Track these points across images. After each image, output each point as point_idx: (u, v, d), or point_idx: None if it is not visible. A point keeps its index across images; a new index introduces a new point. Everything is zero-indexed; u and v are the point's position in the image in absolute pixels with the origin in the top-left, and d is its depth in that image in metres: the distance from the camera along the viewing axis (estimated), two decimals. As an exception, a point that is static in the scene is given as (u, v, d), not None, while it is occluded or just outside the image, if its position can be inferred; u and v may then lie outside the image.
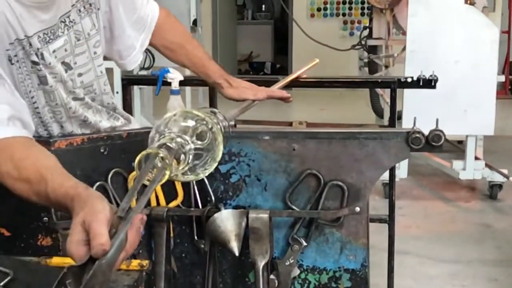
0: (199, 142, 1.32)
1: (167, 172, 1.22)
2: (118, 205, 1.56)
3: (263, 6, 12.13)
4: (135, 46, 1.89)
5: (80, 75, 1.67)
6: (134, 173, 1.58)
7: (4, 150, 1.34)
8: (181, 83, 3.22)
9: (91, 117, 1.70)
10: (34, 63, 1.54)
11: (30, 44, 1.52)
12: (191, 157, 1.29)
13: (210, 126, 1.33)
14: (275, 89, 2.14)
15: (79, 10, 1.64)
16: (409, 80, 2.67)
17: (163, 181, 1.24)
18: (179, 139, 1.28)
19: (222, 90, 2.05)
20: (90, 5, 1.67)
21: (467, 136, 4.62)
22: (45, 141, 1.50)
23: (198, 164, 1.32)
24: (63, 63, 1.62)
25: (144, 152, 1.23)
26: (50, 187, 1.24)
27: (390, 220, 2.64)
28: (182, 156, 1.26)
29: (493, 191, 4.67)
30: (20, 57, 1.51)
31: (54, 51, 1.58)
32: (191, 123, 1.34)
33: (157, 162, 1.22)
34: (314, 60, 2.35)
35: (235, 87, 2.04)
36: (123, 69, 1.98)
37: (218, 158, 1.34)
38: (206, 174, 1.36)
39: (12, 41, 1.49)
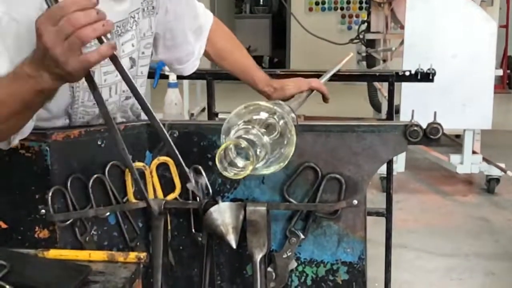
0: (273, 134, 1.33)
1: (250, 166, 1.22)
2: (115, 198, 1.57)
3: (261, -1, 12.12)
4: (194, 52, 1.93)
5: None
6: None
7: None
8: (179, 76, 3.22)
9: (118, 119, 1.70)
10: None
11: None
12: (269, 149, 1.29)
13: (281, 118, 1.33)
14: (319, 82, 2.10)
15: (143, 10, 1.65)
16: (407, 73, 2.68)
17: (245, 174, 1.26)
18: (254, 131, 1.28)
19: (269, 98, 2.04)
20: (153, 7, 1.69)
21: (464, 130, 4.63)
22: (42, 133, 1.50)
23: (274, 156, 1.33)
24: (130, 58, 1.62)
25: (224, 145, 1.23)
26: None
27: (387, 214, 2.65)
28: (259, 149, 1.26)
29: (490, 185, 4.68)
30: None
31: (122, 44, 1.58)
32: (263, 115, 1.34)
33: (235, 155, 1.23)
34: (348, 54, 2.35)
35: (279, 90, 2.02)
36: (179, 74, 2.00)
37: (292, 150, 1.35)
38: (282, 167, 1.37)
39: None
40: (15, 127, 1.34)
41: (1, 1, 1.30)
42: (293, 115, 1.45)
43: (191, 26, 1.88)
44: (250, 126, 1.30)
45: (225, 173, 1.31)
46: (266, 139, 1.30)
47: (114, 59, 1.22)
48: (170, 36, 1.84)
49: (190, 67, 1.97)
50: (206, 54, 2.01)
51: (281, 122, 1.36)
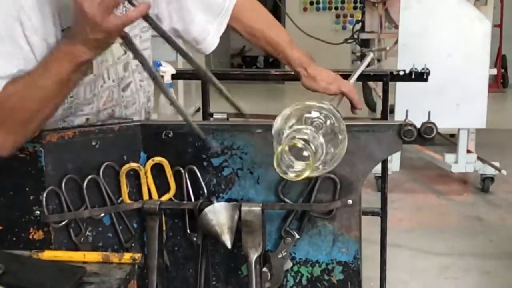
0: (327, 133, 1.33)
1: (310, 166, 1.22)
2: (110, 199, 1.57)
3: (256, -1, 12.09)
4: (209, 30, 1.88)
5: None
6: (126, 166, 1.58)
7: None
8: (174, 77, 3.22)
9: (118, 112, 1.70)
10: None
11: None
12: (324, 148, 1.29)
13: (329, 117, 1.33)
14: (350, 86, 1.96)
15: None
16: (401, 73, 2.68)
17: (306, 174, 1.27)
18: (308, 131, 1.28)
19: (300, 80, 1.97)
20: None
21: (459, 129, 4.64)
22: (37, 135, 1.49)
23: (328, 155, 1.33)
24: (121, 44, 1.63)
25: (280, 148, 1.24)
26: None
27: (382, 213, 2.65)
28: (315, 148, 1.27)
29: (485, 184, 4.69)
30: None
31: None
32: (314, 114, 1.33)
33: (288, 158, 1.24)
34: (369, 55, 2.34)
35: (310, 77, 1.94)
36: (202, 52, 1.96)
37: (345, 149, 1.35)
38: (335, 166, 1.37)
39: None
40: (43, 119, 1.44)
41: None
42: (339, 113, 1.42)
43: (197, 4, 1.85)
44: (303, 126, 1.29)
45: (286, 177, 1.31)
46: (321, 138, 1.30)
47: (148, 19, 1.40)
48: (179, 16, 1.82)
49: (209, 45, 1.92)
50: (236, 31, 1.97)
51: (328, 122, 1.35)
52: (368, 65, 6.01)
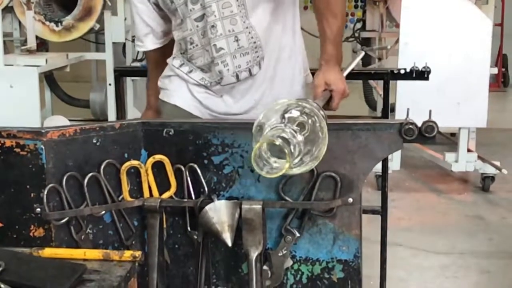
0: (305, 132, 1.33)
1: (287, 164, 1.23)
2: (111, 196, 1.57)
3: (257, -2, 12.07)
4: None
5: None
6: (127, 163, 1.58)
7: None
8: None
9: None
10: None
11: None
12: (302, 147, 1.29)
13: (311, 116, 1.34)
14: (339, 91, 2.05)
15: None
16: (402, 71, 2.68)
17: (281, 173, 1.29)
18: (288, 129, 1.28)
19: None
20: None
21: (459, 128, 4.63)
22: (37, 131, 1.50)
23: (306, 155, 1.33)
24: None
25: (258, 144, 1.26)
26: None
27: (383, 212, 2.65)
28: (293, 147, 1.27)
29: (485, 183, 4.68)
30: None
31: None
32: (295, 113, 1.34)
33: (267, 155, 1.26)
34: (361, 53, 2.35)
35: (318, 71, 2.04)
36: None
37: (325, 149, 1.36)
38: (315, 165, 1.38)
39: None
40: None
41: None
42: (322, 112, 1.43)
43: None
44: (283, 125, 1.30)
45: (261, 173, 1.32)
46: (299, 137, 1.30)
47: None
48: None
49: None
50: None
51: (310, 120, 1.36)
52: (369, 64, 6.00)
